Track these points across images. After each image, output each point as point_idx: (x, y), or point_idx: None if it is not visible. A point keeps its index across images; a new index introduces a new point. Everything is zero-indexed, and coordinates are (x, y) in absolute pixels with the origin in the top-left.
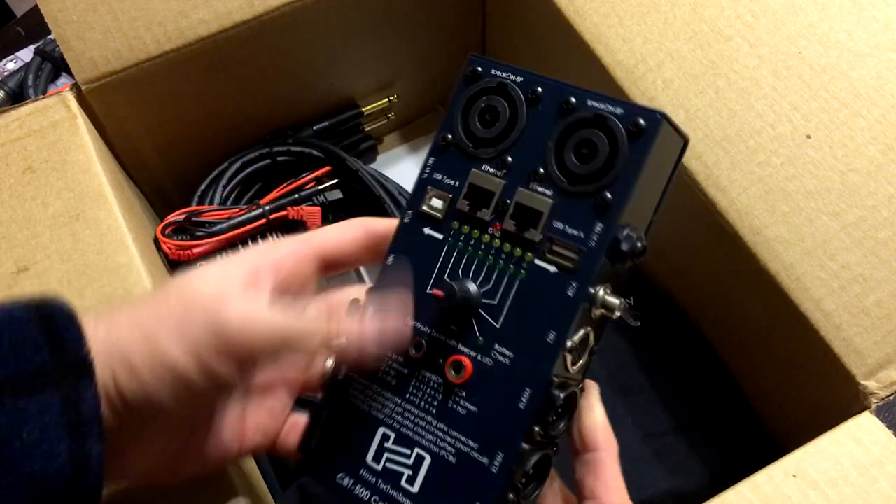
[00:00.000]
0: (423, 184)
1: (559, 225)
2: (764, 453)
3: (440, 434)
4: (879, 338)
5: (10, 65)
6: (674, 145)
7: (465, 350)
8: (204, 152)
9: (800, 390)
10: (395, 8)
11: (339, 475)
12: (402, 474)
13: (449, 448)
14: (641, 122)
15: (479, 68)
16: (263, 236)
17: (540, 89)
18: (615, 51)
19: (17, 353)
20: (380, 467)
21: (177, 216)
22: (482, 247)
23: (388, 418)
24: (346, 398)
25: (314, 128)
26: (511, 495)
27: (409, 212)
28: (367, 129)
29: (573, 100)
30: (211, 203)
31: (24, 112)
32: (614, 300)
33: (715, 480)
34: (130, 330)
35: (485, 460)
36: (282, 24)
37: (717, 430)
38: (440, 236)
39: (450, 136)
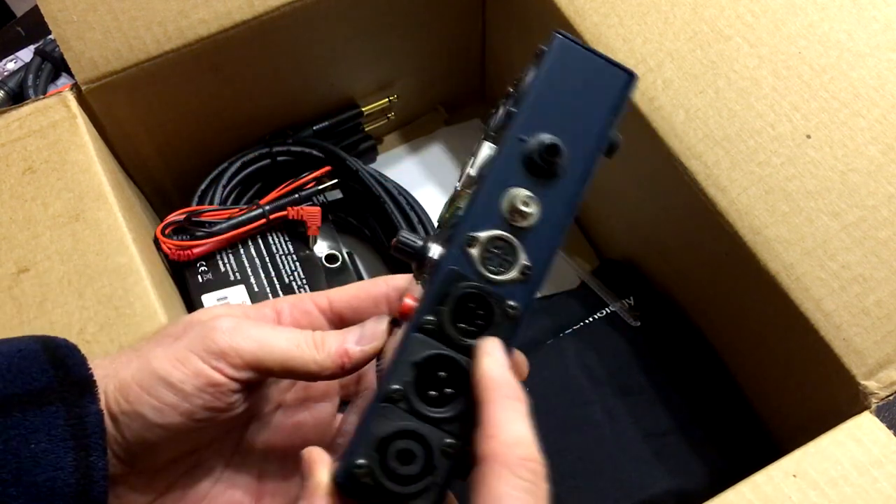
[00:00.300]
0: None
1: (486, 149)
2: (764, 453)
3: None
4: (879, 338)
5: (10, 65)
6: (593, 69)
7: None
8: (204, 152)
9: (800, 390)
10: (395, 8)
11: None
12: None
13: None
14: (544, 46)
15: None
16: (263, 236)
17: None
18: (615, 51)
19: (25, 375)
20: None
21: (177, 216)
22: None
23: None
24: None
25: (314, 128)
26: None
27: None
28: (367, 129)
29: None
30: (211, 203)
31: (24, 112)
32: (524, 193)
33: (715, 480)
34: (126, 355)
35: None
36: (282, 24)
37: (717, 430)
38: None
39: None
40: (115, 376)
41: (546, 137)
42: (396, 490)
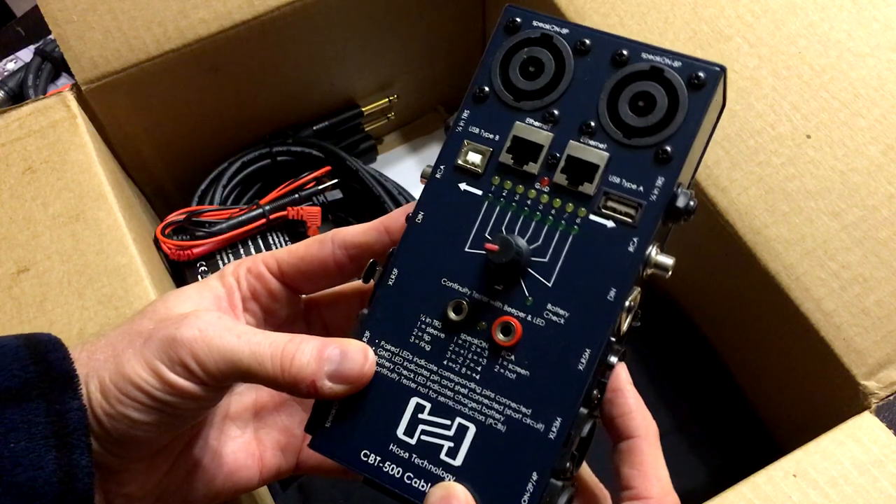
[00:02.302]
0: (457, 137)
1: (615, 179)
2: (764, 453)
3: (486, 401)
4: (879, 338)
5: (10, 65)
6: (720, 103)
7: (514, 311)
8: (204, 152)
9: (800, 390)
10: (396, 8)
11: (364, 452)
12: (441, 447)
13: (497, 416)
14: (702, 74)
15: (519, 19)
16: (263, 236)
17: (588, 41)
18: None
19: (5, 371)
20: (414, 441)
21: (177, 216)
22: (528, 202)
23: (422, 387)
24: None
25: (314, 128)
26: (568, 464)
27: (441, 167)
28: (367, 129)
29: (626, 52)
30: (211, 203)
31: (24, 112)
32: (667, 260)
33: (715, 480)
34: (104, 351)
35: (540, 426)
36: (282, 24)
37: (717, 430)
38: (479, 192)
39: (486, 89)
40: (96, 376)
41: (687, 193)
42: None
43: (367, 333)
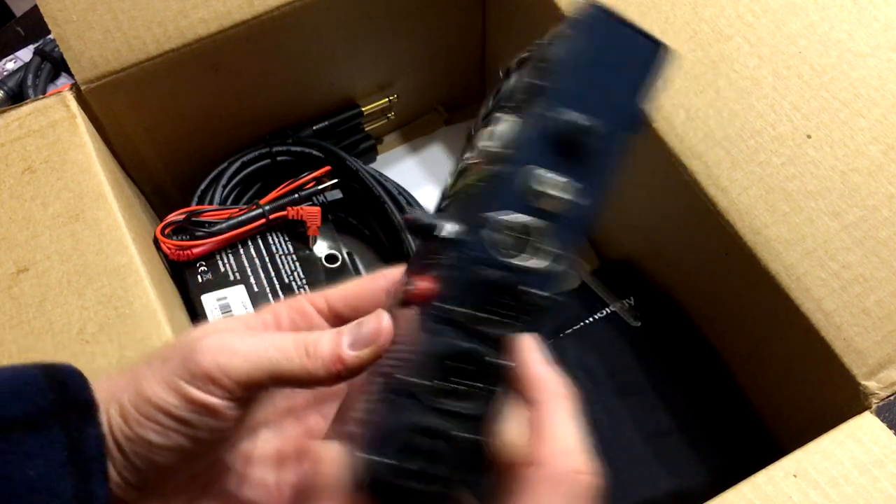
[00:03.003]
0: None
1: (501, 126)
2: (764, 453)
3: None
4: (880, 338)
5: (10, 64)
6: (624, 40)
7: (428, 271)
8: (204, 152)
9: (800, 390)
10: (396, 8)
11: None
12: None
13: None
14: (571, 16)
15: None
16: (263, 236)
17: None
18: None
19: (24, 397)
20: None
21: (177, 216)
22: (462, 188)
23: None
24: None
25: (314, 128)
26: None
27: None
28: (367, 129)
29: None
30: (211, 203)
31: (23, 112)
32: (554, 179)
33: (715, 480)
34: (124, 376)
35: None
36: (282, 24)
37: (717, 430)
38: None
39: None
40: (115, 401)
41: (579, 117)
42: (419, 488)
43: None
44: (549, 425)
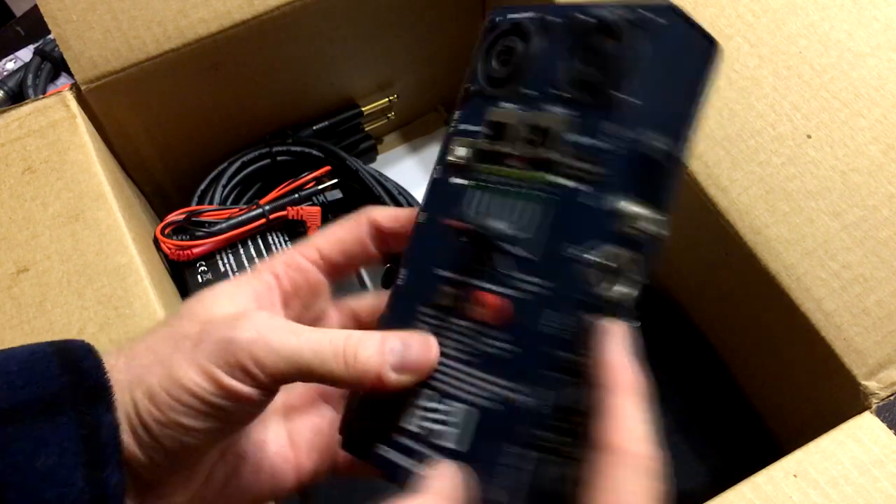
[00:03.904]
0: (449, 137)
1: (572, 137)
2: (764, 453)
3: (481, 383)
4: (880, 338)
5: (10, 64)
6: (694, 45)
7: (489, 286)
8: (204, 152)
9: (800, 390)
10: (396, 8)
11: (380, 447)
12: (450, 434)
13: (493, 396)
14: (646, 14)
15: (497, 18)
16: (263, 236)
17: (551, 17)
18: None
19: (36, 381)
20: (418, 429)
21: (176, 216)
22: (502, 181)
23: (429, 378)
24: None
25: (314, 128)
26: (566, 437)
27: (438, 167)
28: (367, 129)
29: (579, 16)
30: (211, 203)
31: (23, 112)
32: (642, 210)
33: (715, 480)
34: (147, 356)
35: (531, 402)
36: (282, 24)
37: (717, 430)
38: (465, 182)
39: (469, 86)
40: (141, 383)
41: (665, 142)
42: None
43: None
44: (623, 412)
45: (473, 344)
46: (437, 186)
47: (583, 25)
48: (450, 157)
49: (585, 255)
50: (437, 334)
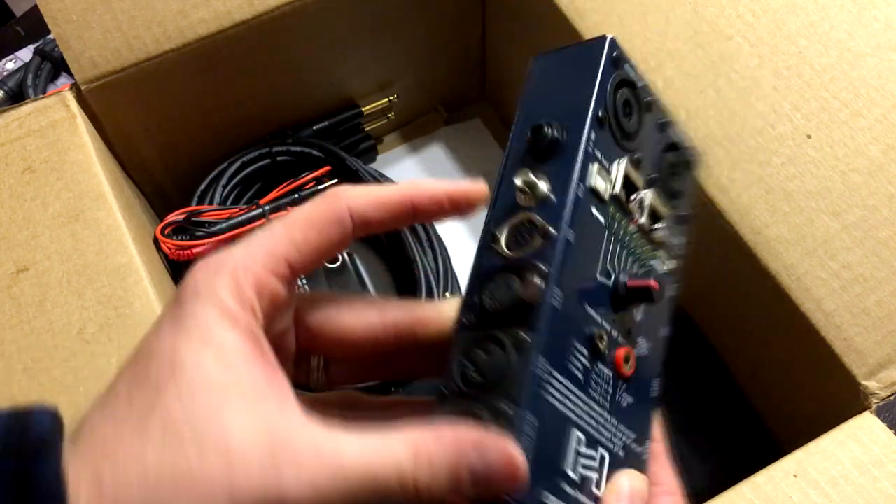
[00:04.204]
0: (588, 157)
1: (667, 233)
2: (765, 453)
3: (613, 429)
4: (880, 338)
5: (10, 64)
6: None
7: (626, 342)
8: (204, 152)
9: (800, 390)
10: (395, 8)
11: (542, 493)
12: (592, 480)
13: (619, 443)
14: (694, 157)
15: (618, 54)
16: None
17: (651, 99)
18: None
19: None
20: (576, 476)
21: (176, 216)
22: (627, 238)
23: (579, 419)
24: (543, 397)
25: (314, 128)
26: None
27: (580, 184)
28: (367, 129)
29: (665, 121)
30: (210, 203)
31: (23, 112)
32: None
33: (715, 480)
34: (139, 489)
35: (639, 450)
36: (282, 24)
37: (718, 430)
38: (603, 220)
39: (602, 114)
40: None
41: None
42: None
43: (541, 360)
44: (671, 462)
45: (611, 392)
46: (581, 208)
47: (672, 138)
48: (592, 183)
49: (664, 333)
50: (588, 376)
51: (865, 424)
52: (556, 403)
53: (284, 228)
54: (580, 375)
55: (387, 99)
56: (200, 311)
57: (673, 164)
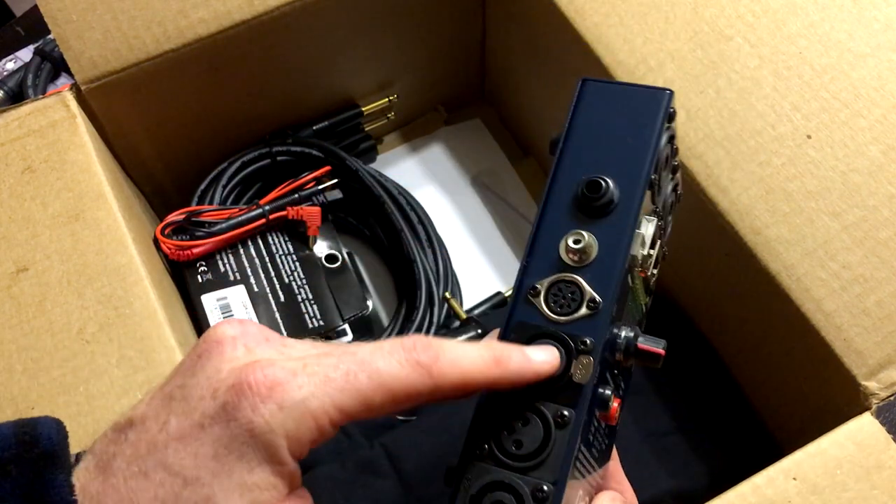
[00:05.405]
0: (636, 222)
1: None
2: (764, 453)
3: (595, 473)
4: (880, 338)
5: (10, 64)
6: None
7: (618, 392)
8: (204, 152)
9: (800, 390)
10: (395, 8)
11: None
12: None
13: (592, 480)
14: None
15: (673, 110)
16: (263, 236)
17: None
18: (616, 51)
19: None
20: None
21: (176, 216)
22: (636, 290)
23: (582, 476)
24: (571, 473)
25: (314, 128)
26: None
27: (628, 252)
28: (366, 129)
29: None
30: (211, 203)
31: (23, 112)
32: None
33: (715, 481)
34: None
35: (599, 479)
36: (282, 24)
37: (717, 430)
38: (630, 284)
39: (654, 176)
40: None
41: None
42: None
43: (579, 441)
44: (621, 473)
45: (603, 442)
46: (624, 278)
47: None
48: (634, 251)
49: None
50: (594, 436)
51: (865, 425)
52: (577, 473)
53: (366, 379)
54: (591, 438)
55: (387, 99)
56: (247, 452)
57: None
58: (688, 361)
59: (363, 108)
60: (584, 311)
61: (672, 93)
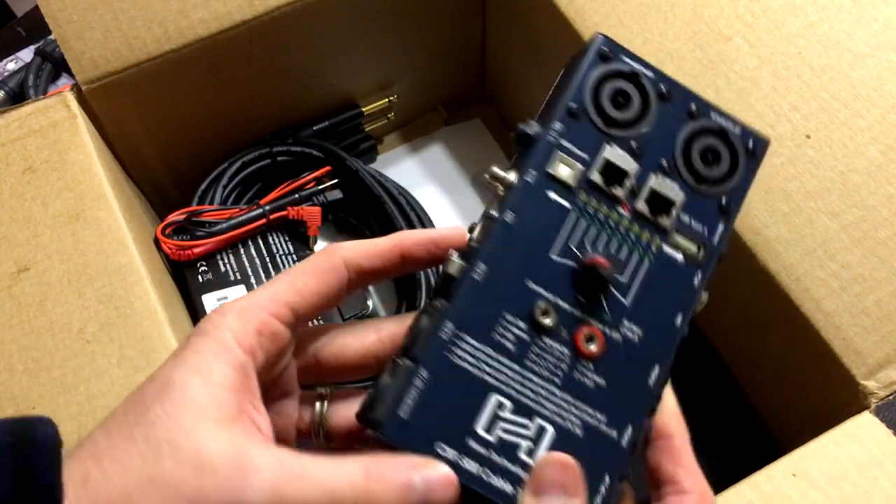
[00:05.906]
0: (549, 146)
1: (685, 218)
2: (764, 453)
3: (565, 405)
4: (879, 338)
5: (11, 65)
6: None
7: (596, 323)
8: (204, 152)
9: (799, 390)
10: (395, 8)
11: (439, 445)
12: (519, 446)
13: (575, 420)
14: (755, 144)
15: (609, 49)
16: (264, 236)
17: (667, 89)
18: None
19: None
20: (492, 438)
21: (177, 216)
22: (611, 223)
23: (503, 385)
24: (447, 358)
25: (314, 128)
26: (630, 469)
27: (533, 171)
28: (367, 129)
29: (697, 108)
30: (211, 203)
31: (24, 112)
32: (706, 296)
33: (715, 480)
34: (119, 488)
35: (614, 433)
36: (282, 24)
37: (718, 430)
38: (567, 204)
39: (577, 107)
40: None
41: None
42: None
43: (449, 325)
44: (689, 460)
45: (564, 369)
46: (529, 192)
47: (704, 120)
48: (551, 170)
49: (686, 327)
50: (523, 347)
51: (865, 424)
52: (469, 367)
53: (287, 277)
54: (510, 346)
55: (387, 99)
56: (201, 345)
57: (704, 150)
58: (688, 361)
59: (363, 109)
60: (487, 226)
61: (602, 35)
